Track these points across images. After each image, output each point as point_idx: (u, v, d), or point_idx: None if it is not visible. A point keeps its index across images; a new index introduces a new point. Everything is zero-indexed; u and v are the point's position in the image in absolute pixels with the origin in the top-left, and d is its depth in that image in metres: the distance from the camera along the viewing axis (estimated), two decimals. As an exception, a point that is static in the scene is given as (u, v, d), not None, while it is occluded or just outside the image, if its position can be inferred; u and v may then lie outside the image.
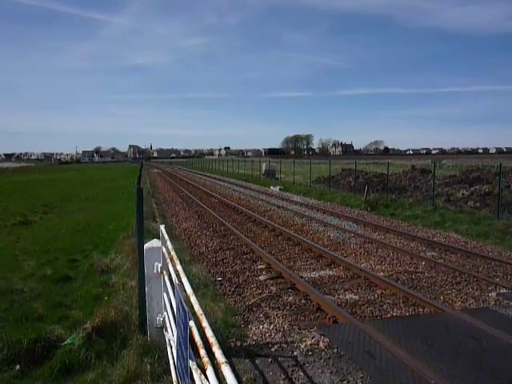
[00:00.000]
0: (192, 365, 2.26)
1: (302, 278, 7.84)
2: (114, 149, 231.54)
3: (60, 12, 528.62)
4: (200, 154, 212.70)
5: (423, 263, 8.91)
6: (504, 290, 7.18)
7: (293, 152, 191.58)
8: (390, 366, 4.61)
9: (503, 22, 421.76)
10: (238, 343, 5.24)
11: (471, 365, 4.67)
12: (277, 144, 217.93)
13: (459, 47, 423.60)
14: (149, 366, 4.36)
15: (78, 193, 27.09)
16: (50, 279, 7.61)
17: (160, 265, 4.68)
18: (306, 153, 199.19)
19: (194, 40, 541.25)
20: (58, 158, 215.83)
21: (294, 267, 8.72)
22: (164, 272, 4.53)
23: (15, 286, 7.19)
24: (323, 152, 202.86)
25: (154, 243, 4.89)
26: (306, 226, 13.57)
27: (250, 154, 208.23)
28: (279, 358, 4.87)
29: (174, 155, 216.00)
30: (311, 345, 5.19)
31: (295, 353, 5.01)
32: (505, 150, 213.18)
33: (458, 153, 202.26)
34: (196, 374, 2.23)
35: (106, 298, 6.37)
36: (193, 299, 2.65)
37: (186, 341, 2.25)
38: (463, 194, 18.56)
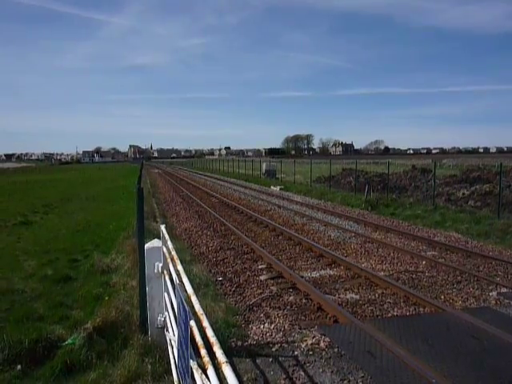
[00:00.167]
0: (193, 364, 2.27)
1: (302, 277, 7.84)
2: (114, 149, 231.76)
3: (60, 12, 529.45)
4: (200, 154, 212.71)
5: (424, 263, 8.91)
6: (505, 290, 7.18)
7: (293, 152, 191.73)
8: (391, 366, 4.61)
9: (503, 22, 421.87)
10: (239, 343, 5.25)
11: (472, 364, 4.67)
12: (277, 144, 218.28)
13: (459, 47, 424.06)
14: (150, 366, 4.37)
15: (78, 193, 27.10)
16: (51, 279, 7.61)
17: (161, 265, 4.69)
18: (306, 152, 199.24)
19: (194, 40, 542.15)
20: (58, 158, 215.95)
21: (294, 267, 8.72)
22: (165, 272, 4.53)
23: (16, 286, 7.19)
24: (324, 152, 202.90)
25: (154, 243, 4.90)
26: (306, 226, 13.57)
27: (250, 153, 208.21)
28: (280, 358, 4.87)
29: (174, 155, 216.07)
30: (312, 344, 5.19)
31: (296, 352, 5.02)
32: (505, 149, 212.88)
33: (458, 152, 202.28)
34: (197, 374, 2.23)
35: (106, 298, 6.38)
36: (193, 299, 2.65)
37: (187, 340, 2.26)
38: (464, 194, 18.55)
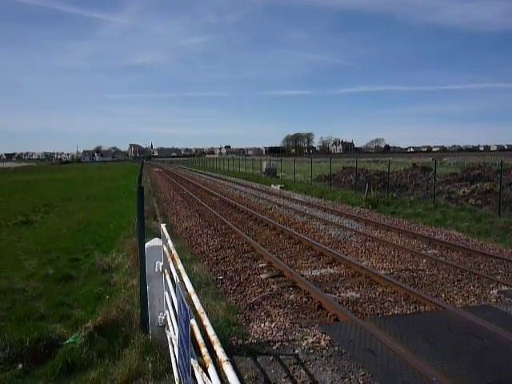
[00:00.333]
0: (194, 363, 2.27)
1: (303, 276, 7.84)
2: (114, 148, 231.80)
3: (60, 11, 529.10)
4: (201, 153, 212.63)
5: (424, 261, 8.91)
6: (505, 288, 7.18)
7: (293, 150, 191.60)
8: (392, 364, 4.61)
9: (503, 19, 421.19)
10: (240, 341, 5.25)
11: (472, 362, 4.67)
12: (277, 142, 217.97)
13: (459, 44, 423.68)
14: (150, 365, 4.37)
15: (78, 192, 27.12)
16: (52, 278, 7.63)
17: (161, 263, 4.69)
18: (306, 151, 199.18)
19: (194, 39, 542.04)
20: (58, 157, 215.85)
21: (295, 265, 8.72)
22: (165, 271, 4.53)
23: (17, 285, 7.20)
24: (324, 150, 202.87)
25: (155, 242, 4.90)
26: (307, 225, 13.57)
27: (250, 152, 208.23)
28: (280, 356, 4.88)
29: (174, 154, 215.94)
30: (312, 343, 5.19)
31: (296, 351, 5.02)
32: (506, 147, 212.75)
33: (459, 150, 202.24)
34: (198, 372, 2.24)
35: (107, 297, 6.39)
36: (194, 298, 2.66)
37: (188, 339, 2.26)
38: (464, 192, 18.53)
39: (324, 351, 4.99)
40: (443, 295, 6.90)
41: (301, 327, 5.69)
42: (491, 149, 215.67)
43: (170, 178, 40.58)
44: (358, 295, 6.96)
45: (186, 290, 2.86)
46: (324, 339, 5.28)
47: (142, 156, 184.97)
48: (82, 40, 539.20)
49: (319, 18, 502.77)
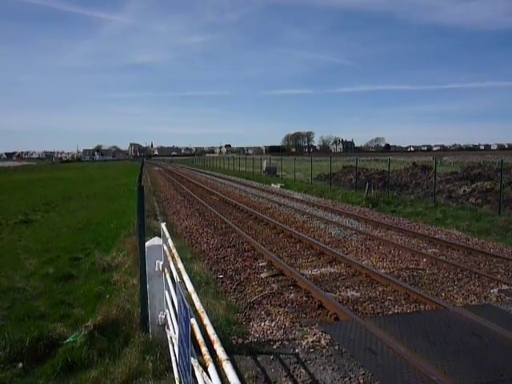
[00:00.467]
0: (194, 362, 2.26)
1: (303, 275, 7.84)
2: (114, 147, 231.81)
3: (60, 10, 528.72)
4: (201, 152, 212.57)
5: (424, 260, 8.91)
6: (506, 287, 7.18)
7: (294, 149, 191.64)
8: (392, 363, 4.61)
9: (503, 18, 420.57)
10: (240, 340, 5.25)
11: (473, 361, 4.67)
12: (278, 141, 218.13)
13: (460, 43, 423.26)
14: (151, 364, 4.37)
15: (79, 191, 27.13)
16: (52, 277, 7.63)
17: (161, 263, 4.69)
18: (306, 150, 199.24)
19: (195, 38, 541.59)
20: (59, 156, 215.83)
21: (295, 264, 8.72)
22: (165, 270, 4.53)
23: (17, 284, 7.20)
24: (324, 149, 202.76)
25: (155, 241, 4.90)
26: (307, 224, 13.56)
27: (250, 151, 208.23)
28: (281, 355, 4.88)
29: (174, 153, 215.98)
30: (313, 342, 5.19)
31: (297, 350, 5.02)
32: (506, 146, 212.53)
33: (459, 149, 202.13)
34: (198, 372, 2.23)
35: (107, 296, 6.39)
36: (194, 297, 2.65)
37: (188, 338, 2.26)
38: (464, 191, 18.52)
39: (324, 350, 4.99)
40: (443, 294, 6.89)
41: (301, 326, 5.69)
42: (491, 148, 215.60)
43: (170, 177, 40.59)
44: (359, 294, 6.96)
45: (186, 289, 2.85)
46: (324, 338, 5.28)
47: (143, 155, 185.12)
48: (83, 39, 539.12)
49: (319, 17, 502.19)
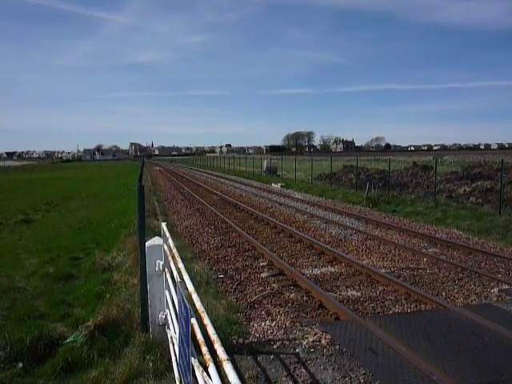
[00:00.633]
0: (194, 362, 2.26)
1: (303, 274, 7.83)
2: (115, 147, 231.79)
3: (60, 10, 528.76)
4: (201, 152, 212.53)
5: (425, 259, 8.90)
6: (506, 286, 7.17)
7: (294, 149, 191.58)
8: (392, 363, 4.61)
9: (504, 18, 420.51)
10: (240, 340, 5.25)
11: (473, 361, 4.67)
12: (278, 141, 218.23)
13: (460, 43, 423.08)
14: (151, 364, 4.37)
15: (79, 191, 27.13)
16: (53, 277, 7.63)
17: (162, 262, 4.69)
18: (307, 150, 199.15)
19: (195, 37, 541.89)
20: (59, 156, 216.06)
21: (295, 264, 8.71)
22: (166, 269, 4.53)
23: (17, 284, 7.21)
24: (324, 149, 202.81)
25: (155, 241, 4.89)
26: (307, 223, 13.56)
27: (251, 151, 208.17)
28: (281, 355, 4.87)
29: (175, 153, 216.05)
30: (313, 342, 5.19)
31: (297, 350, 5.02)
32: (506, 145, 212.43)
33: (459, 149, 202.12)
34: (198, 371, 2.23)
35: (108, 296, 6.39)
36: (194, 297, 2.65)
37: (188, 338, 2.25)
38: (465, 190, 18.51)
39: (325, 350, 4.99)
40: (444, 294, 6.89)
41: (301, 326, 5.69)
42: (492, 147, 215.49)
43: (171, 177, 40.59)
44: (359, 294, 6.95)
45: (187, 288, 2.85)
46: (325, 338, 5.28)
47: (143, 155, 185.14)
48: (83, 39, 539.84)
49: (319, 16, 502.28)
